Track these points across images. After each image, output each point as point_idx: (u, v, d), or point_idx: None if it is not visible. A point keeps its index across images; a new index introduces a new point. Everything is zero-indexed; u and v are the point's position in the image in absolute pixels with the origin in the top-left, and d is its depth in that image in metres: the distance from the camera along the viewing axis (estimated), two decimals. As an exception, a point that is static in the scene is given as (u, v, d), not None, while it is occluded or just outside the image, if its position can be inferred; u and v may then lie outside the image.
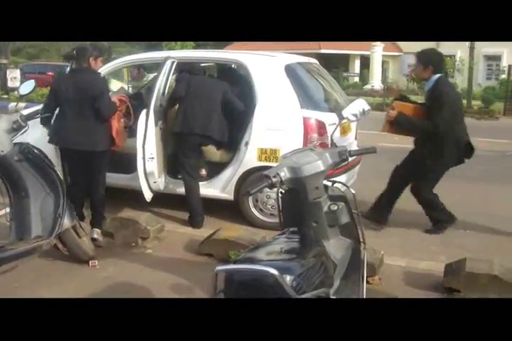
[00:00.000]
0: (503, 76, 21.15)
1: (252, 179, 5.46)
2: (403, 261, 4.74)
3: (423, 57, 5.29)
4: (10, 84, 17.76)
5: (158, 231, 5.13)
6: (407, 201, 5.63)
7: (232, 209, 5.82)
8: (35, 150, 4.23)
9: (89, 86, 4.82)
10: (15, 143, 4.14)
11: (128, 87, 11.41)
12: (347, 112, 3.28)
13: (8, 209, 5.53)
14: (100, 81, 5.05)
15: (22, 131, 4.17)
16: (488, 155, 9.69)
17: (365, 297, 2.89)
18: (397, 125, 5.17)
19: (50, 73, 24.12)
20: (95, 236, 4.95)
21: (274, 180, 2.55)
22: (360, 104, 3.36)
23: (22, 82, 17.99)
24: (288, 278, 2.04)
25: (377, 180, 5.95)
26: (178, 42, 31.05)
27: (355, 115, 3.30)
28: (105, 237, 5.08)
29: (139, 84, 17.68)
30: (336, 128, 2.93)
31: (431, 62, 5.24)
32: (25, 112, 4.47)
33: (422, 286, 4.24)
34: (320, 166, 2.70)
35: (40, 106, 5.26)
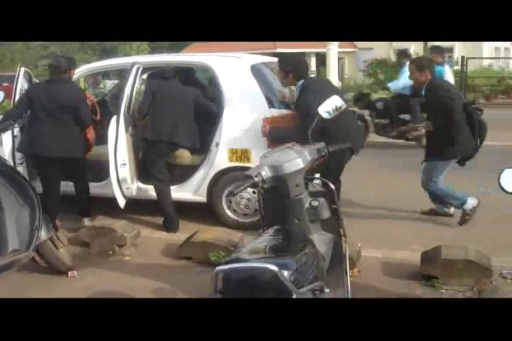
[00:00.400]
0: (456, 67, 21.56)
1: (225, 180, 5.51)
2: (379, 253, 4.83)
3: (418, 63, 5.39)
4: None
5: (134, 237, 5.13)
6: (377, 195, 5.75)
7: (203, 212, 5.84)
8: (6, 162, 4.18)
9: (69, 96, 5.19)
10: (-15, 157, 4.10)
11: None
12: (320, 109, 3.34)
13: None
14: (80, 91, 5.53)
15: None
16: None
17: (349, 289, 2.96)
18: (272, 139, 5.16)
19: (5, 84, 23.70)
20: (86, 224, 5.39)
21: (256, 179, 2.59)
22: (333, 101, 3.42)
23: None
24: (286, 273, 2.09)
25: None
26: (134, 47, 30.83)
27: (328, 112, 3.35)
28: (81, 247, 5.06)
29: (96, 91, 17.49)
30: (312, 126, 2.97)
31: (424, 66, 5.32)
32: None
33: (400, 275, 4.34)
34: (300, 163, 2.75)
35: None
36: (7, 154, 5.45)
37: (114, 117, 5.34)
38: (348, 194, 5.64)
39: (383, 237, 5.29)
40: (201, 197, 5.71)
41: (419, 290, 4.10)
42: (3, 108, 15.50)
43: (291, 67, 5.15)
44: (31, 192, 4.20)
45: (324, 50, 29.33)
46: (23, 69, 5.59)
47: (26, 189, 4.20)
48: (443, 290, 4.07)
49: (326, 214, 2.96)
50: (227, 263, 2.27)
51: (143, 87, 6.09)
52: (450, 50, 30.57)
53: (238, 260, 2.29)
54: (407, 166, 6.27)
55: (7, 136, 5.45)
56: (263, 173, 2.63)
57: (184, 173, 5.78)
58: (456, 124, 5.14)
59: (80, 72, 6.32)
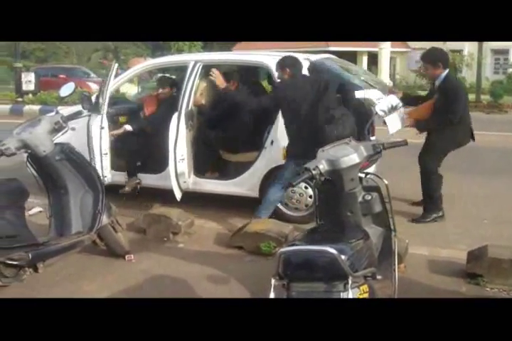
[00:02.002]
0: (511, 70, 21.20)
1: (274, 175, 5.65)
2: (425, 250, 4.92)
3: (430, 56, 5.54)
4: (24, 87, 17.98)
5: (188, 226, 5.32)
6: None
7: (256, 204, 5.96)
8: (76, 149, 4.42)
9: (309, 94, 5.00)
10: (56, 144, 4.31)
11: (138, 88, 11.60)
12: (377, 108, 3.46)
13: (39, 209, 5.79)
14: None
15: (62, 132, 4.35)
16: (499, 149, 9.84)
17: (397, 282, 3.08)
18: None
19: (62, 76, 24.38)
20: None
21: (314, 172, 2.75)
22: (390, 100, 3.53)
23: (36, 85, 18.31)
24: (343, 257, 2.23)
25: (391, 172, 6.13)
26: (187, 43, 31.15)
27: (384, 111, 3.47)
28: (138, 233, 5.29)
29: (148, 84, 17.87)
30: (369, 123, 3.09)
31: (439, 59, 5.48)
32: (65, 113, 4.64)
33: (445, 273, 4.42)
34: (356, 158, 2.89)
35: (78, 107, 5.50)
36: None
37: (175, 114, 5.58)
38: (399, 190, 5.74)
39: (431, 235, 5.37)
40: (254, 193, 5.88)
41: (463, 288, 4.18)
42: (52, 99, 16.04)
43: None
44: (96, 177, 4.44)
45: (376, 49, 29.30)
46: (116, 65, 5.76)
47: (91, 174, 4.44)
48: (487, 289, 4.14)
49: (377, 208, 3.11)
50: (287, 246, 2.42)
51: (202, 83, 6.25)
52: (505, 52, 30.02)
53: (298, 244, 2.44)
54: (455, 164, 6.29)
55: (95, 127, 5.68)
56: (320, 167, 2.79)
57: (239, 169, 5.98)
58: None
59: (140, 68, 6.57)
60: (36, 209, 5.90)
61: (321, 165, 2.80)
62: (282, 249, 2.32)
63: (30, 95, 18.16)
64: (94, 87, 20.58)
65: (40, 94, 17.79)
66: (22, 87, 17.88)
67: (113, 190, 5.62)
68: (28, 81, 17.77)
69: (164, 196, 5.98)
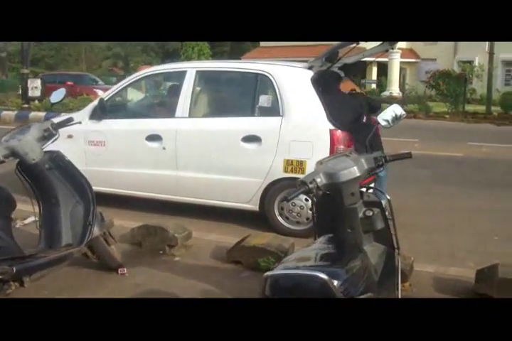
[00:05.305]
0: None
1: (275, 188, 5.53)
2: (431, 268, 4.70)
3: None
4: (30, 93, 17.95)
5: (185, 238, 5.13)
6: (432, 205, 5.63)
7: (256, 216, 5.83)
8: (66, 158, 4.26)
9: None
10: (45, 151, 4.16)
11: (146, 95, 11.60)
12: (379, 118, 3.26)
13: (35, 218, 5.62)
14: None
15: (52, 140, 4.20)
16: (511, 162, 9.62)
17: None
18: None
19: (69, 83, 24.40)
20: None
21: (310, 186, 2.55)
22: (393, 110, 3.34)
23: (42, 91, 18.25)
24: (335, 282, 2.04)
25: (398, 186, 5.96)
26: (195, 50, 31.28)
27: (387, 121, 3.28)
28: (133, 245, 5.11)
29: (156, 93, 17.85)
30: (371, 134, 2.91)
31: None
32: (56, 120, 4.49)
33: (452, 292, 4.19)
34: (356, 172, 2.69)
35: (70, 115, 5.39)
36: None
37: None
38: (402, 204, 5.54)
39: (438, 251, 5.17)
40: (253, 206, 5.73)
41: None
42: (63, 105, 16.03)
43: None
44: (87, 187, 4.27)
45: (386, 59, 29.26)
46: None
47: (82, 185, 4.27)
48: (497, 310, 3.92)
49: (379, 224, 2.90)
50: (276, 269, 2.24)
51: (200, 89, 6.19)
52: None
53: (287, 267, 2.25)
54: (465, 177, 6.10)
55: None
56: (318, 180, 2.59)
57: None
58: None
59: (141, 74, 6.55)
60: (31, 218, 5.75)
61: (318, 178, 2.60)
62: (269, 272, 2.13)
63: (37, 101, 18.13)
64: (101, 94, 20.52)
65: (46, 101, 17.74)
66: (28, 94, 17.84)
67: (108, 200, 5.47)
68: (35, 87, 17.74)
69: (161, 206, 5.82)
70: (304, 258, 2.47)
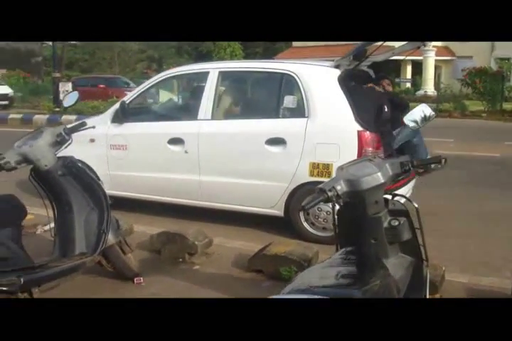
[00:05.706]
0: None
1: (300, 192, 5.30)
2: (464, 277, 4.42)
3: None
4: (62, 97, 18.07)
5: (206, 246, 4.93)
6: (465, 209, 5.33)
7: (282, 222, 5.61)
8: (80, 164, 4.11)
9: None
10: (59, 157, 4.03)
11: (178, 97, 11.53)
12: (406, 119, 3.00)
13: (53, 225, 5.51)
14: None
15: (65, 145, 4.05)
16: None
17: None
18: None
19: (101, 86, 24.57)
20: None
21: (329, 194, 2.31)
22: (421, 110, 3.07)
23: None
24: None
25: (429, 187, 5.68)
26: (227, 51, 31.30)
27: (415, 121, 3.01)
28: (152, 252, 4.93)
29: (187, 94, 17.85)
30: (397, 136, 2.68)
31: None
32: (69, 125, 4.36)
33: (487, 305, 3.92)
34: (380, 178, 2.45)
35: (86, 119, 5.28)
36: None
37: None
38: (433, 207, 5.26)
39: (471, 260, 4.89)
40: (278, 211, 5.53)
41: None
42: (88, 108, 16.09)
43: None
44: (101, 194, 4.11)
45: (420, 57, 28.76)
46: None
47: (98, 193, 4.11)
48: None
49: (406, 235, 2.65)
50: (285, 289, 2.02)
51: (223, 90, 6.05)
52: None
53: (299, 285, 2.03)
54: (501, 179, 5.78)
55: None
56: (338, 188, 2.35)
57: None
58: None
59: (162, 76, 6.42)
60: (52, 224, 5.63)
61: (338, 185, 2.36)
62: (273, 296, 1.91)
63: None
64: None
65: (77, 104, 17.83)
66: (59, 97, 17.96)
67: (130, 205, 5.32)
68: (66, 90, 17.83)
69: (183, 211, 5.65)
70: (321, 275, 2.25)
